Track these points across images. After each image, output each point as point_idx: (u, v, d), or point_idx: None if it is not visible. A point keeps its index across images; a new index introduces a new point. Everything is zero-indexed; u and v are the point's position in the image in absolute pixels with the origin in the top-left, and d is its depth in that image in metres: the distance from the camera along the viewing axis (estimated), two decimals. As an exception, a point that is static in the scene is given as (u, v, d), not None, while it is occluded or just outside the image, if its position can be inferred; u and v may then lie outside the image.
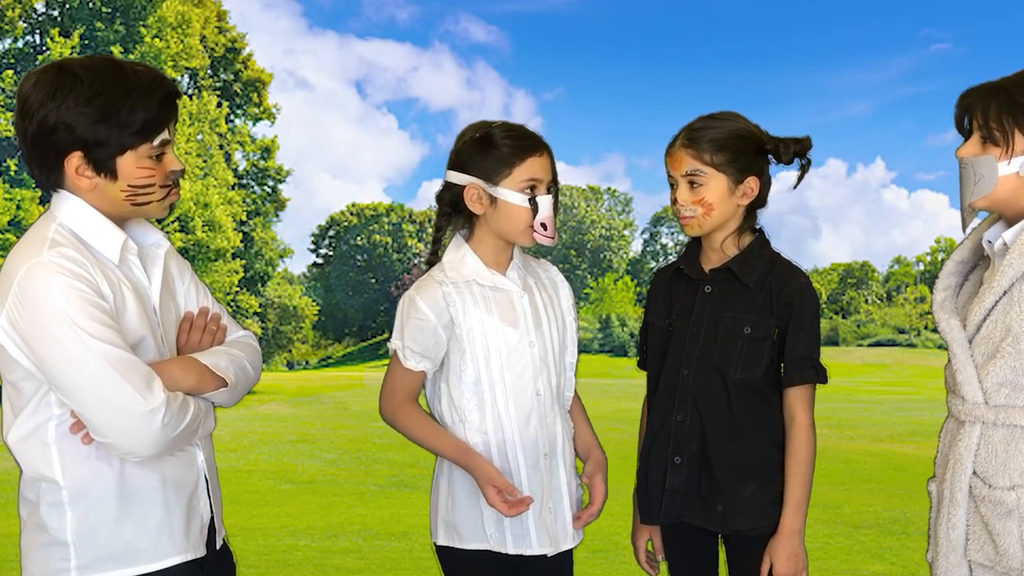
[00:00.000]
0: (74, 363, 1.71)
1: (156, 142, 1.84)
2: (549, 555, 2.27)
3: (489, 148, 2.20)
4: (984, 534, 1.96)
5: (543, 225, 2.22)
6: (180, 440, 1.81)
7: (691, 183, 2.26)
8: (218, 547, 2.02)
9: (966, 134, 2.00)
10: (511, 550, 2.24)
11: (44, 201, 26.31)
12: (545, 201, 2.22)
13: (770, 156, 2.31)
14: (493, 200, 2.20)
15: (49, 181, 1.85)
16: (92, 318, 1.72)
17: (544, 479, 2.25)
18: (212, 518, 1.99)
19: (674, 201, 2.30)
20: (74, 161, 1.80)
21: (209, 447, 2.03)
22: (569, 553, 2.32)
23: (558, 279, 2.41)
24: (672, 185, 2.31)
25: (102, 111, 1.78)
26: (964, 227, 2.07)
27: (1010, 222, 1.99)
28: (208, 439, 2.02)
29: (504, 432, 2.23)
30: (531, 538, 2.24)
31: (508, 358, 2.23)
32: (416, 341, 2.22)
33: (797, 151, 2.30)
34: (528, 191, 2.20)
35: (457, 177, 2.23)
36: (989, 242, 2.03)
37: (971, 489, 1.98)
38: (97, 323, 1.72)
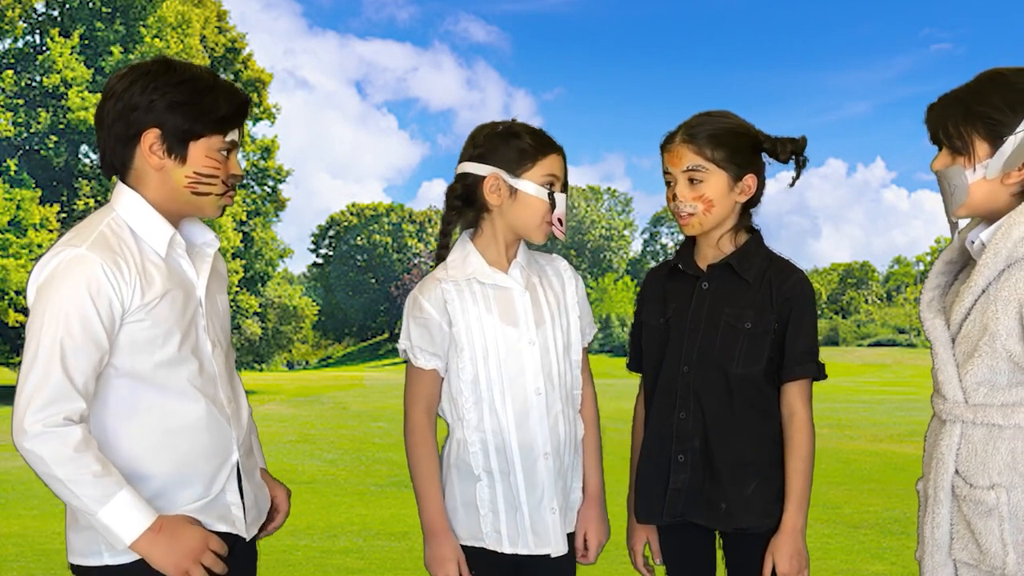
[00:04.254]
0: (34, 340, 1.82)
1: (228, 138, 1.98)
2: (552, 555, 2.26)
3: (513, 140, 2.23)
4: (967, 533, 1.97)
5: (560, 220, 2.25)
6: (39, 473, 1.81)
7: (691, 179, 2.26)
8: (248, 539, 2.09)
9: (939, 146, 2.03)
10: (507, 549, 2.24)
11: (44, 201, 26.28)
12: (561, 198, 2.25)
13: (765, 155, 2.31)
14: (513, 191, 2.22)
15: (119, 160, 1.96)
16: (76, 326, 1.82)
17: (544, 479, 2.24)
18: (244, 512, 2.05)
19: (672, 198, 2.29)
20: (150, 138, 1.92)
21: (250, 444, 2.12)
22: (568, 559, 2.30)
23: (566, 274, 2.38)
24: (669, 183, 2.31)
25: (186, 95, 1.93)
26: (953, 237, 2.11)
27: (991, 221, 2.01)
28: (250, 439, 2.12)
29: (501, 431, 2.22)
30: (527, 538, 2.24)
31: (506, 357, 2.23)
32: (423, 339, 2.25)
33: (794, 150, 2.30)
34: (547, 186, 2.22)
35: (476, 168, 2.24)
36: (971, 242, 2.05)
37: (953, 488, 1.99)
38: (78, 333, 1.82)
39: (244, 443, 2.07)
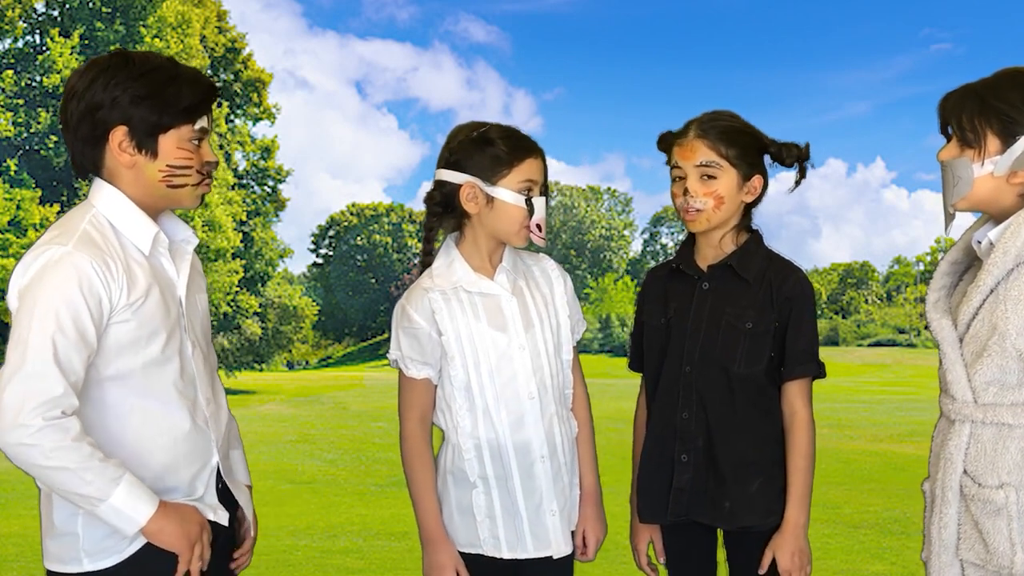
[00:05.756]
0: (23, 337, 1.78)
1: (197, 126, 1.94)
2: (555, 557, 2.25)
3: (487, 148, 2.20)
4: (975, 533, 1.97)
5: (538, 226, 2.23)
6: (30, 469, 1.78)
7: (704, 175, 2.25)
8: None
9: (948, 137, 2.04)
10: (506, 555, 2.23)
11: (44, 201, 26.28)
12: (540, 203, 2.22)
13: (768, 158, 2.32)
14: (489, 200, 2.20)
15: (90, 161, 1.93)
16: (68, 323, 1.78)
17: (542, 482, 2.24)
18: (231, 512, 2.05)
19: (682, 192, 2.28)
20: (118, 136, 1.89)
21: (233, 446, 2.12)
22: (569, 557, 2.30)
23: (553, 273, 2.36)
24: (677, 178, 2.29)
25: (149, 88, 1.89)
26: (946, 228, 2.11)
27: (998, 221, 2.01)
28: (230, 438, 2.11)
29: (497, 436, 2.21)
30: (527, 542, 2.23)
31: (498, 363, 2.22)
32: (413, 349, 2.24)
33: (799, 155, 2.32)
34: (524, 192, 2.20)
35: (452, 176, 2.22)
36: (978, 242, 2.05)
37: (962, 488, 1.99)
38: (70, 330, 1.78)
39: (223, 445, 2.05)
